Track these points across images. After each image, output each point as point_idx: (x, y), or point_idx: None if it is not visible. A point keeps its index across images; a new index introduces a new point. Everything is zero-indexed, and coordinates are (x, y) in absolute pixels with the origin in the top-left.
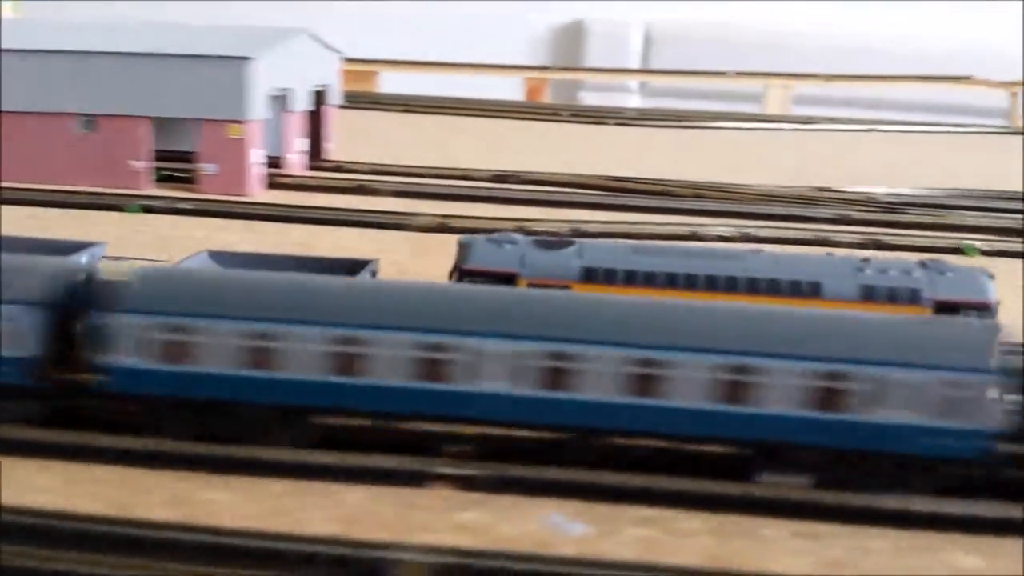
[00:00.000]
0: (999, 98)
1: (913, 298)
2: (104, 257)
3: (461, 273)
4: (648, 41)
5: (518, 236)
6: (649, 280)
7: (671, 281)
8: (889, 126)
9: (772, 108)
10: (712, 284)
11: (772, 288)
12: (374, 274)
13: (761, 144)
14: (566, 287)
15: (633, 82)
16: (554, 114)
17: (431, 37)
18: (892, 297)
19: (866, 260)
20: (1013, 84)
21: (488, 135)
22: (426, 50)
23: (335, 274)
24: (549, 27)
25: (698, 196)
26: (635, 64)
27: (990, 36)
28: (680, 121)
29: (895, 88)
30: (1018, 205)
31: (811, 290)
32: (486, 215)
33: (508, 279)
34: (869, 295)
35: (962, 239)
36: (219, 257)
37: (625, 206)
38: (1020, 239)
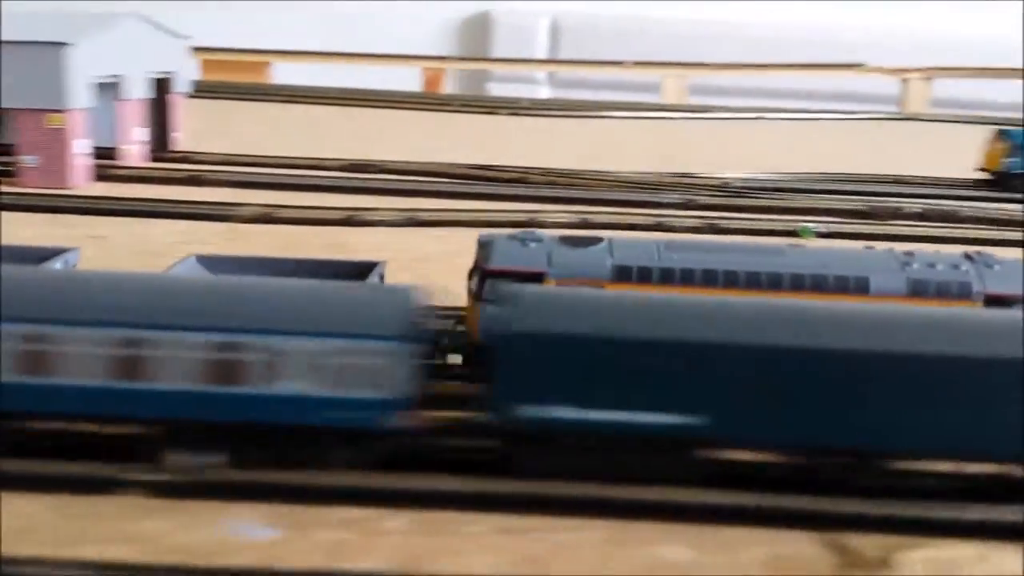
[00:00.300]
0: (891, 85)
1: (963, 292)
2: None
3: (484, 274)
4: (555, 32)
5: (542, 233)
6: (687, 278)
7: (710, 279)
8: (777, 114)
9: (669, 97)
10: (754, 281)
11: (818, 284)
12: (382, 277)
13: (647, 132)
14: (599, 286)
15: (541, 73)
16: (444, 104)
17: (339, 29)
18: (942, 292)
19: (910, 254)
20: (904, 71)
21: (372, 125)
22: (335, 42)
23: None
24: (456, 18)
25: (551, 183)
26: (542, 55)
27: (881, 24)
28: (573, 111)
29: (792, 77)
30: (877, 188)
31: (858, 286)
32: (317, 204)
33: (535, 279)
34: (918, 290)
35: (800, 222)
36: (208, 262)
37: (472, 194)
38: (863, 220)
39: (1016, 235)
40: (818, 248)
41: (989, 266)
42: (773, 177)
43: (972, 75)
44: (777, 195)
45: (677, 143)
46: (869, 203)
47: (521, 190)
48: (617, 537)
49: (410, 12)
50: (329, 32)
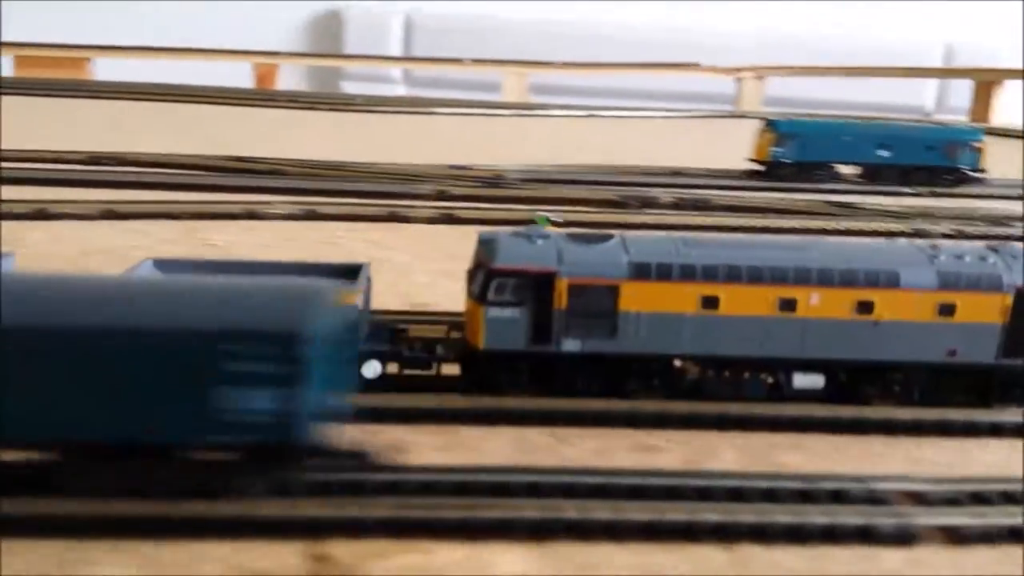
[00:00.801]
0: (727, 84)
1: (993, 285)
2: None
3: (489, 273)
4: (409, 30)
5: (548, 230)
6: (709, 274)
7: (733, 275)
8: (611, 112)
9: (510, 96)
10: (780, 276)
11: (847, 279)
12: (368, 280)
13: (469, 129)
14: (614, 286)
15: (396, 71)
16: (268, 100)
17: (179, 26)
18: (971, 284)
19: (935, 246)
20: (737, 70)
21: (185, 122)
22: (174, 39)
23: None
24: (304, 16)
25: (312, 175)
26: (397, 53)
27: (717, 25)
28: (406, 108)
29: (638, 76)
30: (650, 179)
31: (889, 280)
32: (18, 198)
33: (546, 278)
34: (948, 283)
35: (546, 210)
36: (165, 265)
37: (218, 186)
38: (613, 209)
39: (762, 221)
40: (841, 243)
41: (1015, 257)
42: (553, 169)
43: (801, 73)
44: (539, 186)
45: (492, 139)
46: (624, 193)
47: (269, 182)
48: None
49: (256, 11)
50: (167, 29)
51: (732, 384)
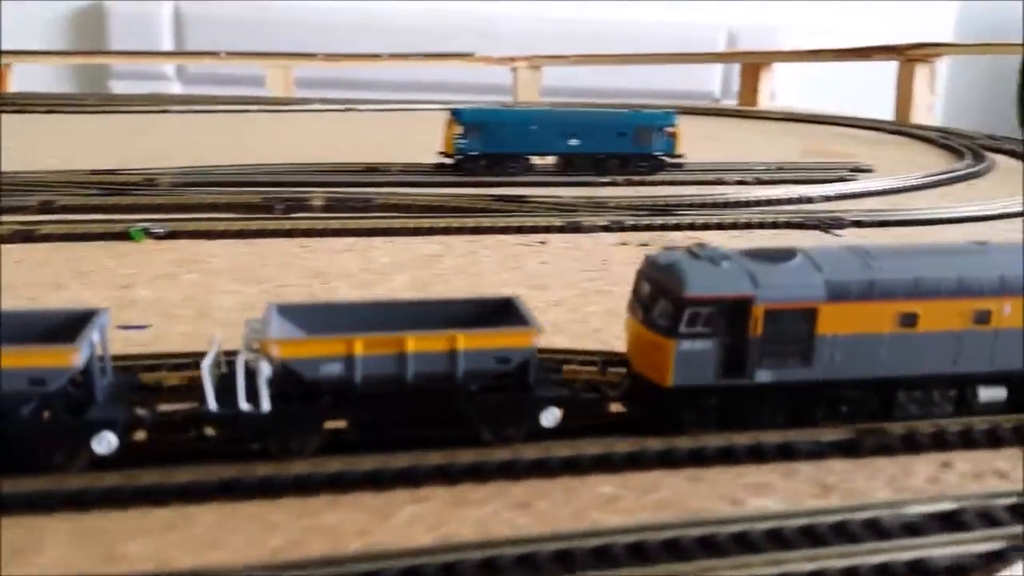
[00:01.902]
0: (505, 74)
1: None
2: None
3: (681, 303)
4: (179, 24)
5: (717, 248)
6: (907, 290)
7: (931, 289)
8: (367, 106)
9: (275, 90)
10: (977, 288)
11: None
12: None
13: (221, 127)
14: (812, 309)
15: (168, 67)
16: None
17: None
18: None
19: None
20: (511, 59)
21: None
22: None
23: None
24: (65, 12)
25: None
26: (168, 48)
27: (493, 12)
28: (154, 106)
29: (412, 68)
30: (343, 178)
31: None
32: None
33: (742, 304)
34: None
35: (140, 223)
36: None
37: None
38: (255, 216)
39: (418, 222)
40: (998, 245)
41: None
42: (218, 170)
43: (575, 63)
44: (186, 190)
45: (240, 137)
46: (272, 196)
47: None
48: None
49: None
50: None
51: (921, 403)
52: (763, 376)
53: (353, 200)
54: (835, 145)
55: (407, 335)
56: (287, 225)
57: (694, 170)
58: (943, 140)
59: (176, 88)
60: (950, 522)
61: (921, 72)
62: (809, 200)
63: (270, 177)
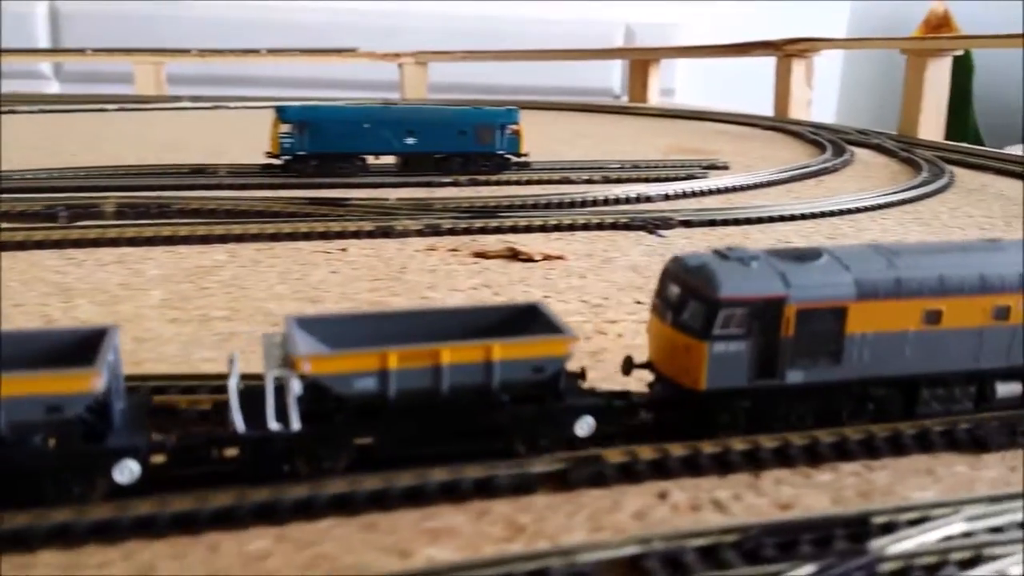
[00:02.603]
0: (392, 71)
1: None
2: None
3: (714, 304)
4: (55, 21)
5: (746, 249)
6: (932, 287)
7: (955, 286)
8: (244, 103)
9: (144, 87)
10: (998, 284)
11: None
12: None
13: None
14: (842, 308)
15: (45, 66)
16: None
17: None
18: None
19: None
20: (397, 55)
21: None
22: None
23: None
24: None
25: None
26: (45, 46)
27: (385, 8)
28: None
29: (296, 64)
30: (166, 180)
31: None
32: None
33: (774, 305)
34: None
35: None
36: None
37: None
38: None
39: (226, 228)
40: (1013, 241)
41: None
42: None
43: (462, 59)
44: None
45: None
46: (53, 203)
47: None
48: None
49: None
50: None
51: (943, 400)
52: (794, 377)
53: (147, 206)
54: (705, 142)
55: (442, 346)
56: (74, 235)
57: (543, 169)
58: (812, 135)
59: (55, 87)
60: (632, 568)
61: (798, 67)
62: (648, 199)
63: (77, 182)
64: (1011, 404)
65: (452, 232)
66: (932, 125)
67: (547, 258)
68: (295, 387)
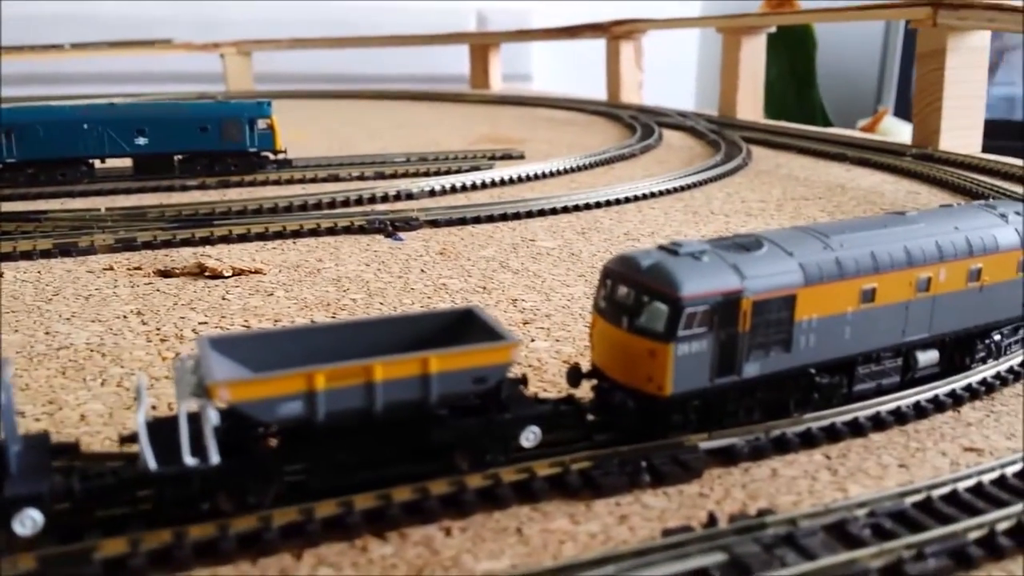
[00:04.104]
0: (214, 62)
1: None
2: None
3: (678, 303)
4: None
5: (690, 242)
6: (866, 265)
7: (885, 262)
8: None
9: None
10: (920, 256)
11: (964, 249)
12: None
13: None
14: (791, 296)
15: None
16: None
17: None
18: None
19: (991, 204)
20: (216, 45)
21: None
22: None
23: None
24: None
25: None
26: None
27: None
28: None
29: (97, 58)
30: None
31: (991, 244)
32: None
33: (733, 299)
34: None
35: None
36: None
37: None
38: None
39: None
40: (925, 211)
41: None
42: None
43: (289, 47)
44: None
45: None
46: None
47: None
48: None
49: None
50: None
51: (876, 376)
52: (750, 370)
53: None
54: (521, 129)
55: (375, 362)
56: None
57: (310, 166)
58: (630, 119)
59: None
60: None
61: (626, 49)
62: (410, 196)
63: None
64: (929, 374)
65: (150, 246)
66: (749, 104)
67: (240, 273)
68: (211, 417)
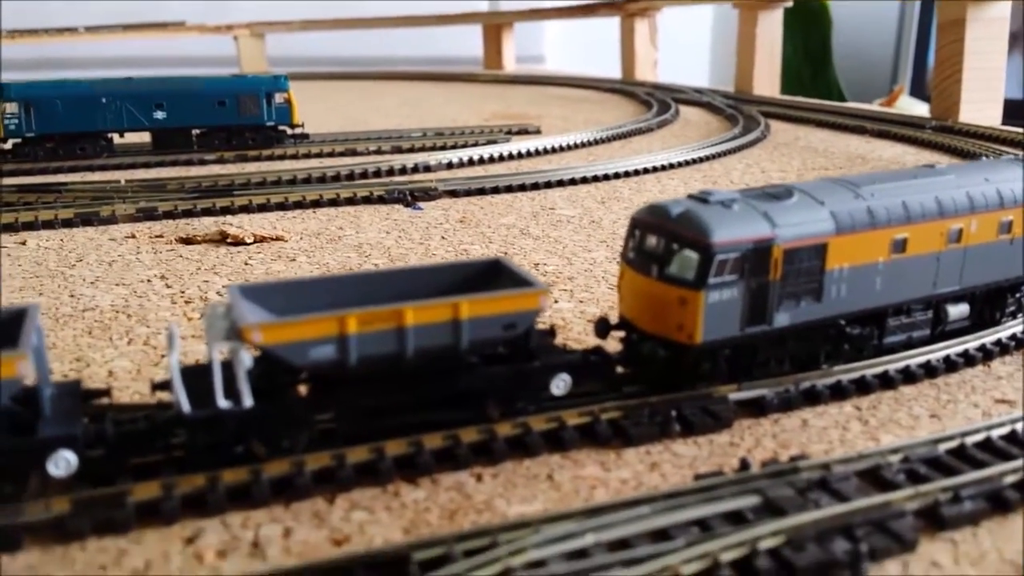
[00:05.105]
0: (227, 44)
1: None
2: None
3: (708, 250)
4: None
5: (722, 191)
6: (897, 215)
7: (916, 211)
8: None
9: None
10: (951, 207)
11: (994, 201)
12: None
13: None
14: (823, 245)
15: None
16: None
17: None
18: None
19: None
20: (230, 27)
21: None
22: None
23: None
24: None
25: None
26: None
27: None
28: None
29: (111, 41)
30: None
31: (1019, 197)
32: None
33: (764, 246)
34: None
35: None
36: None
37: None
38: None
39: None
40: (956, 165)
41: None
42: None
43: (302, 28)
44: None
45: None
46: None
47: None
48: None
49: None
50: None
51: (906, 328)
52: (781, 320)
53: None
54: (534, 107)
55: (406, 307)
56: None
57: (326, 141)
58: (646, 95)
59: None
60: None
61: (640, 27)
62: (428, 168)
63: None
64: (960, 327)
65: (171, 216)
66: (766, 79)
67: (262, 240)
68: (245, 360)
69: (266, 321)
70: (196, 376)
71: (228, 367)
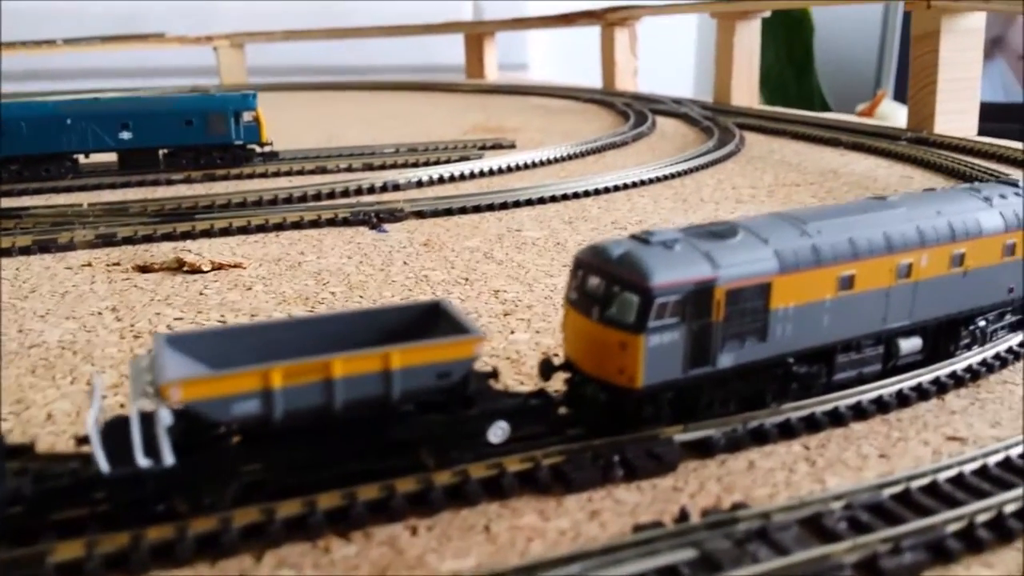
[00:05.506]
0: (207, 55)
1: None
2: None
3: (648, 293)
4: None
5: (662, 231)
6: (844, 252)
7: (863, 247)
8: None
9: None
10: (901, 242)
11: (946, 234)
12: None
13: None
14: (766, 284)
15: None
16: None
17: None
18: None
19: (976, 188)
20: (210, 38)
21: None
22: None
23: None
24: None
25: None
26: None
27: None
28: None
29: (89, 53)
30: None
31: (973, 229)
32: None
33: (706, 287)
34: (1010, 224)
35: None
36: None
37: None
38: None
39: None
40: (907, 195)
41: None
42: None
43: (284, 39)
44: None
45: None
46: None
47: None
48: None
49: None
50: None
51: (856, 364)
52: (725, 360)
53: None
54: (514, 118)
55: (333, 358)
56: None
57: (296, 158)
58: (624, 106)
59: None
60: None
61: (620, 36)
62: (397, 187)
63: None
64: (911, 362)
65: (130, 241)
66: (744, 90)
67: (219, 267)
68: (164, 418)
69: (186, 377)
70: (122, 428)
71: (151, 421)
